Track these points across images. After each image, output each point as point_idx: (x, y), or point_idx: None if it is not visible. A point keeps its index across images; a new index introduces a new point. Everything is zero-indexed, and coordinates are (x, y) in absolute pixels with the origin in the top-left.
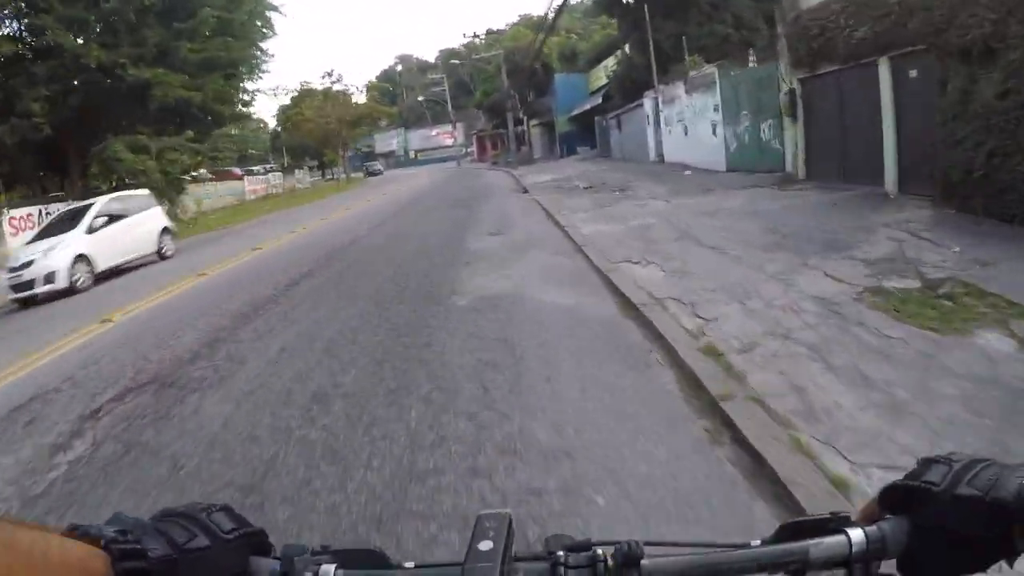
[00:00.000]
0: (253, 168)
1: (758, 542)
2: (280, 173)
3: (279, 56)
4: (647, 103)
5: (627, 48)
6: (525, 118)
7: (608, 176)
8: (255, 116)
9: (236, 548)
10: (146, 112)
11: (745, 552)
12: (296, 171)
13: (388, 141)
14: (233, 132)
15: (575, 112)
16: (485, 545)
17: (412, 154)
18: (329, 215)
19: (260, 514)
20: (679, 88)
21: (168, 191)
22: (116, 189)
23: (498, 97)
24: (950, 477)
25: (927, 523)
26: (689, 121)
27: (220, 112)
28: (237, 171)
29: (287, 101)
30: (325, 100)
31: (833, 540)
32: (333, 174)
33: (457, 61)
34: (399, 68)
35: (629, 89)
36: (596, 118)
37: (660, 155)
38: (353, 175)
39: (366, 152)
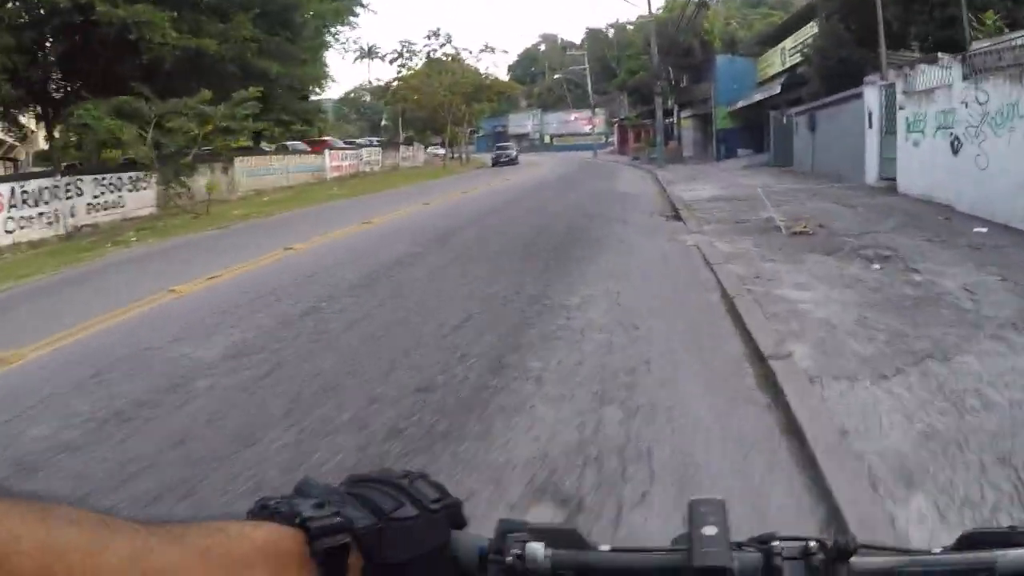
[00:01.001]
0: (357, 140)
1: (939, 550)
2: (379, 148)
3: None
4: (870, 95)
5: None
6: (676, 107)
7: (814, 207)
8: (332, 80)
9: (440, 520)
10: (145, 68)
11: (939, 557)
12: (403, 147)
13: (522, 123)
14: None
15: (739, 104)
16: (709, 530)
17: (548, 139)
18: (382, 215)
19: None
20: (948, 72)
21: (166, 169)
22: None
23: (645, 77)
24: None
25: None
26: (967, 132)
27: (266, 71)
28: (336, 142)
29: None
30: (429, 66)
31: (1020, 553)
32: (454, 153)
33: (605, 28)
34: (542, 48)
35: (832, 74)
36: (771, 113)
37: (886, 177)
38: (477, 156)
39: (499, 132)
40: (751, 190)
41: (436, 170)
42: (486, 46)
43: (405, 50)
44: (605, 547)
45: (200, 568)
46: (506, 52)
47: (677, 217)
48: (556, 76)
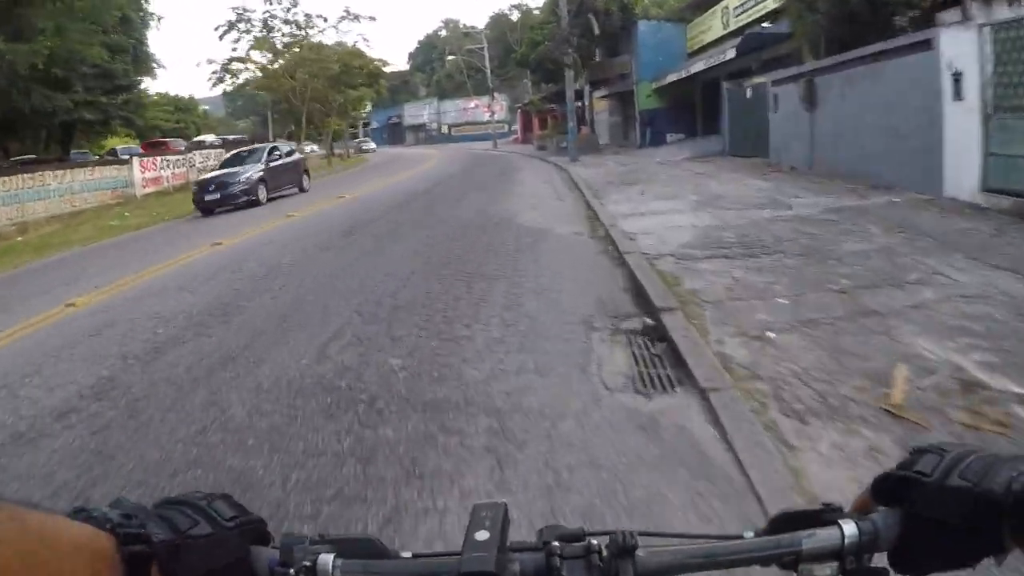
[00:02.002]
0: (206, 139)
1: (751, 533)
2: (223, 150)
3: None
4: (957, 42)
5: None
6: (587, 87)
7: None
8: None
9: (236, 536)
10: None
11: (739, 543)
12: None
13: (418, 112)
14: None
15: (670, 79)
16: (481, 535)
17: (445, 129)
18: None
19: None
20: None
21: None
22: None
23: (551, 46)
24: (941, 468)
25: (919, 514)
26: None
27: None
28: (179, 143)
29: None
30: (265, 43)
31: (826, 532)
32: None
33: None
34: (443, 33)
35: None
36: (725, 85)
37: (998, 188)
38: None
39: (393, 124)
40: (750, 211)
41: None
42: (347, 12)
43: (239, 20)
44: (406, 554)
45: (40, 550)
46: (373, 19)
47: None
48: (450, 57)
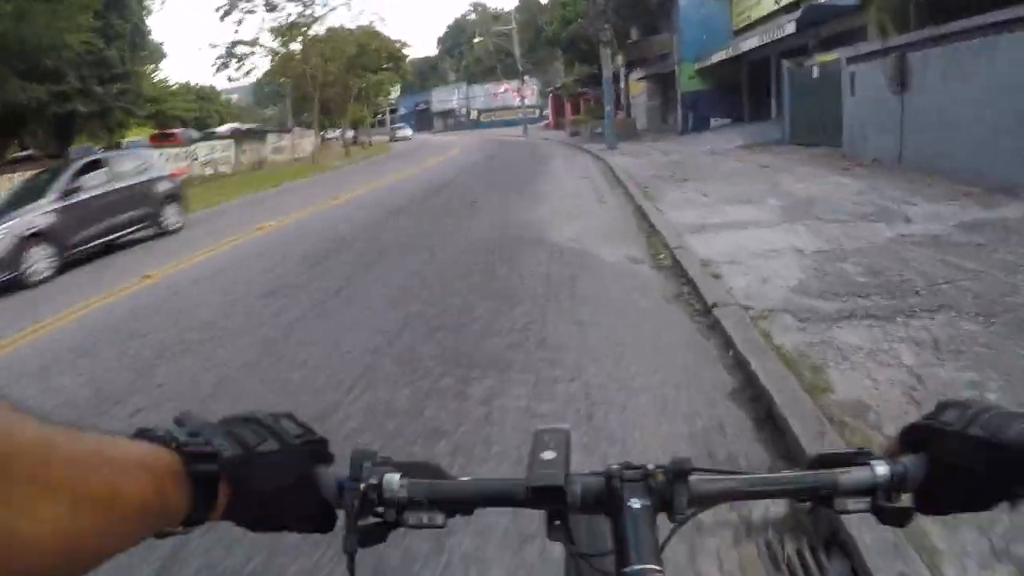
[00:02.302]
0: (217, 130)
1: (788, 472)
2: (231, 141)
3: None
4: None
5: None
6: (623, 69)
7: None
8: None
9: (302, 453)
10: None
11: (782, 475)
12: (274, 135)
13: (447, 98)
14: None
15: (715, 58)
16: (547, 455)
17: (474, 114)
18: None
19: None
20: None
21: None
22: None
23: (585, 23)
24: (964, 419)
25: (942, 460)
26: None
27: None
28: (191, 134)
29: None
30: (292, 31)
31: (859, 471)
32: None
33: None
34: (472, 17)
35: None
36: (784, 64)
37: None
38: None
39: (421, 110)
40: (859, 225)
41: (305, 167)
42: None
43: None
44: (466, 479)
45: (95, 465)
46: None
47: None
48: (477, 39)
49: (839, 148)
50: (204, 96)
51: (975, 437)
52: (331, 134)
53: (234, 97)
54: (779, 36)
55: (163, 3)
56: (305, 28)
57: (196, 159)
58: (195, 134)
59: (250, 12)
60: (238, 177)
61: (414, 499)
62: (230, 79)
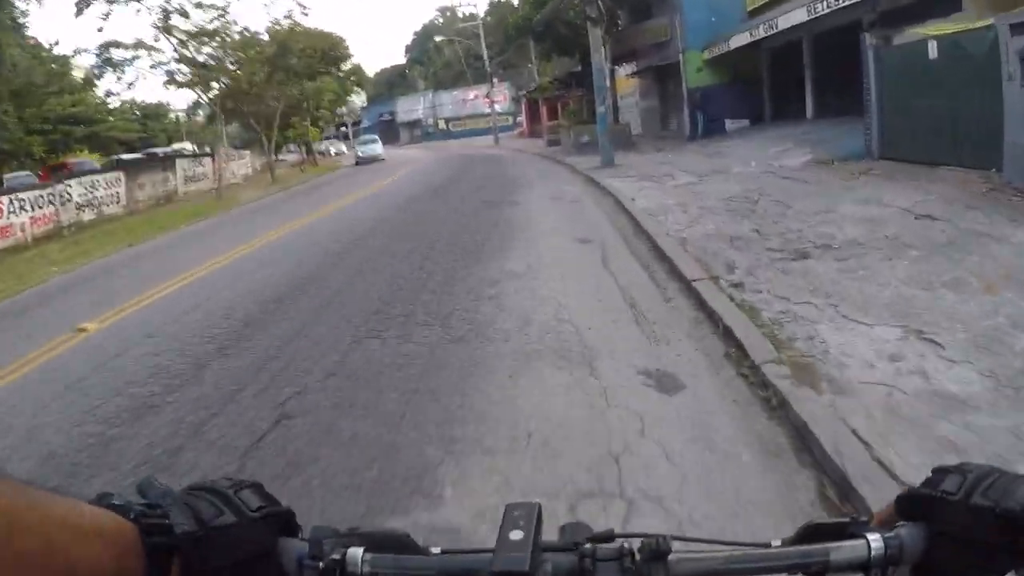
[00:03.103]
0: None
1: (778, 542)
2: (120, 173)
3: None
4: None
5: None
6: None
7: None
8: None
9: (263, 527)
10: None
11: (768, 552)
12: (193, 160)
13: (413, 107)
14: None
15: (736, 42)
16: (516, 535)
17: (442, 124)
18: None
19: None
20: None
21: None
22: None
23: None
24: (965, 487)
25: (943, 531)
26: None
27: None
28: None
29: None
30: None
31: (853, 544)
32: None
33: None
34: (440, 22)
35: None
36: (868, 42)
37: None
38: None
39: (385, 120)
40: None
41: (210, 204)
42: None
43: None
44: (436, 550)
45: (56, 537)
46: None
47: None
48: (439, 38)
49: (988, 170)
50: (150, 115)
51: (980, 507)
52: (285, 154)
53: (194, 115)
54: (836, 6)
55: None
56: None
57: (69, 201)
58: (94, 164)
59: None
60: (121, 223)
61: (378, 574)
62: (109, 93)
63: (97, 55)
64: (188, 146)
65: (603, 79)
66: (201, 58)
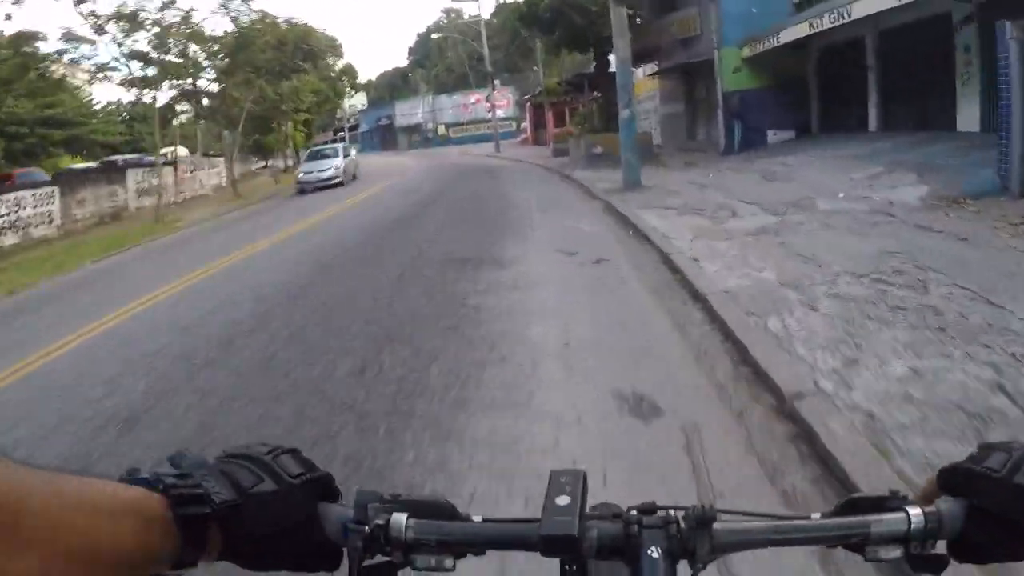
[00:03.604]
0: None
1: (818, 515)
2: (53, 189)
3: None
4: None
5: None
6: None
7: None
8: None
9: (304, 493)
10: None
11: (811, 522)
12: (130, 174)
13: (411, 111)
14: None
15: (786, 36)
16: (562, 500)
17: (443, 130)
18: None
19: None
20: None
21: None
22: None
23: None
24: (1010, 465)
25: (983, 507)
26: None
27: None
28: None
29: None
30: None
31: (893, 517)
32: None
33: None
34: (444, 23)
35: None
36: (1009, 31)
37: None
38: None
39: (383, 126)
40: None
41: (145, 226)
42: None
43: None
44: (477, 518)
45: (71, 517)
46: None
47: None
48: (436, 35)
49: None
50: (138, 116)
51: (1022, 486)
52: (276, 160)
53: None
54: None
55: None
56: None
57: None
58: (44, 175)
59: None
60: (43, 250)
61: (422, 541)
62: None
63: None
64: (183, 151)
65: (628, 75)
66: (139, 49)
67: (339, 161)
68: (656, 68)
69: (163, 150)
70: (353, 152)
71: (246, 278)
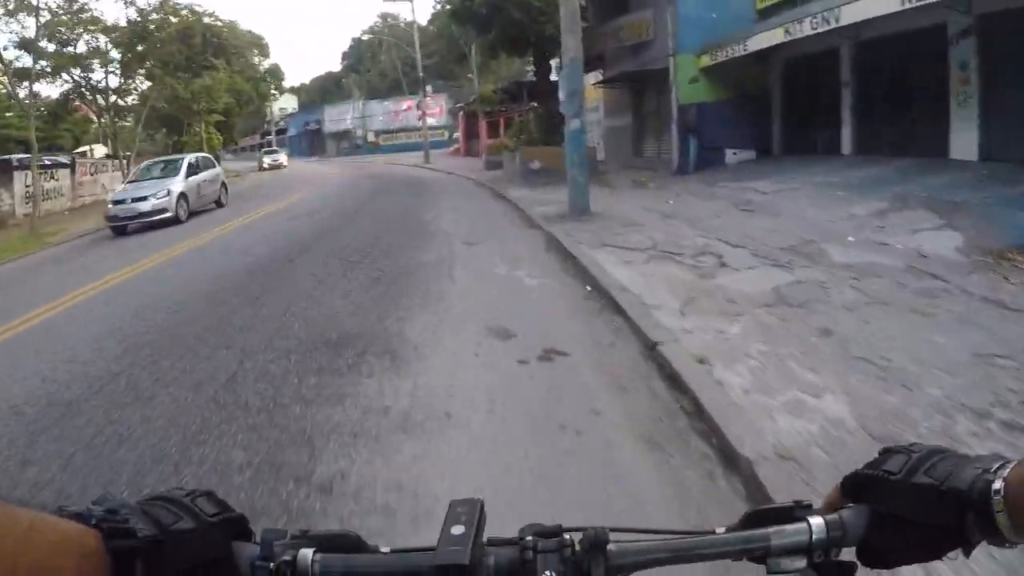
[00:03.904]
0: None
1: (722, 529)
2: None
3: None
4: None
5: None
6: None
7: None
8: None
9: (219, 532)
10: None
11: (710, 538)
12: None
13: (341, 117)
14: None
15: (763, 40)
16: (457, 529)
17: (373, 137)
18: None
19: None
20: None
21: None
22: None
23: None
24: (908, 466)
25: (886, 511)
26: None
27: None
28: None
29: None
30: None
31: (794, 528)
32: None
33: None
34: (379, 27)
35: None
36: None
37: None
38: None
39: (311, 131)
40: None
41: (10, 242)
42: None
43: None
44: (385, 549)
45: (18, 544)
46: None
47: None
48: (366, 36)
49: None
50: (57, 113)
51: (921, 485)
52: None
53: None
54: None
55: None
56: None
57: None
58: None
59: None
60: None
61: (328, 574)
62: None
63: None
64: (101, 151)
65: (578, 77)
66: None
67: (174, 184)
68: (600, 77)
69: (80, 149)
70: (217, 169)
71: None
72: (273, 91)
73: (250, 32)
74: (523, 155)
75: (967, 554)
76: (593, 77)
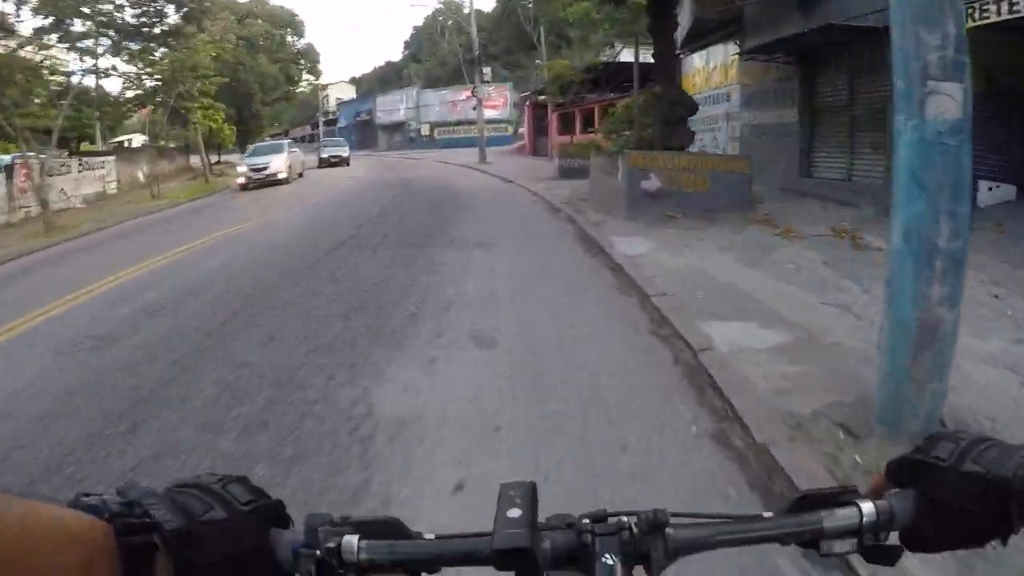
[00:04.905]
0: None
1: (771, 514)
2: None
3: None
4: None
5: None
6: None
7: None
8: None
9: (254, 520)
10: None
11: (764, 523)
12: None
13: (393, 107)
14: None
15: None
16: (513, 512)
17: (428, 129)
18: None
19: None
20: None
21: None
22: None
23: None
24: (956, 454)
25: (933, 497)
26: None
27: None
28: None
29: None
30: None
31: (845, 512)
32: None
33: None
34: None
35: None
36: None
37: None
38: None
39: (363, 121)
40: None
41: None
42: None
43: None
44: (430, 535)
45: (14, 540)
46: None
47: None
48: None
49: None
50: (88, 101)
51: (970, 473)
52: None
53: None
54: None
55: None
56: None
57: None
58: None
59: None
60: None
61: (376, 561)
62: None
63: None
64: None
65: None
66: None
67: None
68: (737, 49)
69: (120, 138)
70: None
71: None
72: (307, 75)
73: (281, 7)
74: (630, 163)
75: (1004, 542)
76: (722, 52)
